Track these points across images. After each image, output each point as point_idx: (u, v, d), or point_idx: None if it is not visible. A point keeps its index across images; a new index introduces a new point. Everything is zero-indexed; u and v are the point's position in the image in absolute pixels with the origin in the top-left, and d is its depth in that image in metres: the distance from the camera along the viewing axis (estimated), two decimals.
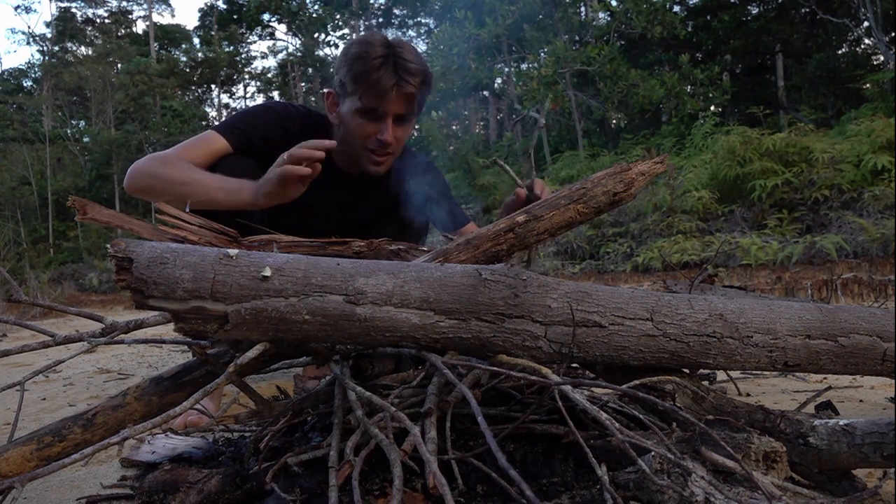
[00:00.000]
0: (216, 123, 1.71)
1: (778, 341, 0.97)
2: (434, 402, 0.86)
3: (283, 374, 2.34)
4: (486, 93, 19.66)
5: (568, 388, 0.77)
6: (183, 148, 1.62)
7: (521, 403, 1.00)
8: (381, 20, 24.94)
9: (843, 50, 15.11)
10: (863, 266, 5.93)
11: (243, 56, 27.74)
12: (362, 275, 0.86)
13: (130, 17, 32.67)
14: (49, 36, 29.90)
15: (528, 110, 15.43)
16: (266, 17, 26.44)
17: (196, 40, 30.45)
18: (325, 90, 1.74)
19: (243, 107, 29.11)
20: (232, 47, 26.75)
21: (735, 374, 1.99)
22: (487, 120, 21.13)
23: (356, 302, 0.85)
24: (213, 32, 28.50)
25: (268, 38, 29.63)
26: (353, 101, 1.59)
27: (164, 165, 1.55)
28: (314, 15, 23.62)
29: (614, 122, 16.13)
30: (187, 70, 25.22)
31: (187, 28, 32.13)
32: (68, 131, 24.72)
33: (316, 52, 23.62)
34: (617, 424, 0.73)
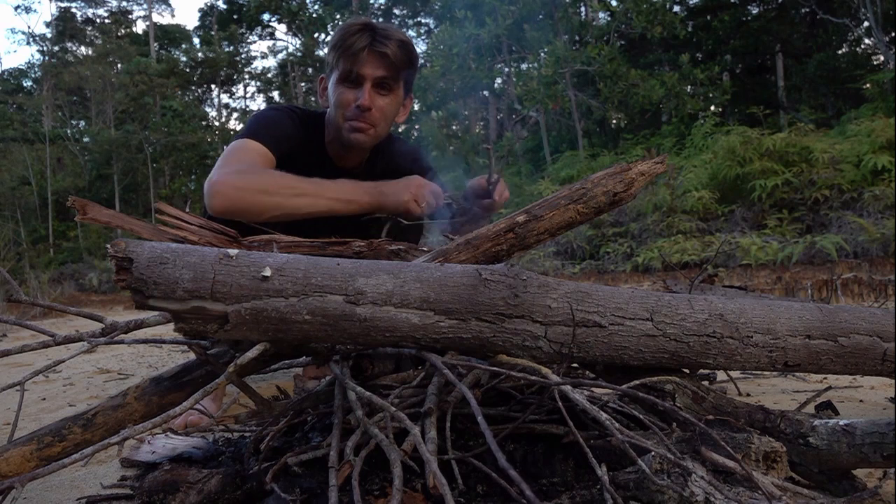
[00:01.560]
0: (240, 132, 1.64)
1: (778, 341, 0.97)
2: (434, 402, 0.86)
3: (283, 374, 2.34)
4: (486, 93, 19.67)
5: (568, 388, 0.77)
6: (238, 160, 1.51)
7: (521, 403, 1.00)
8: (381, 20, 24.94)
9: (843, 50, 15.11)
10: (863, 266, 5.93)
11: (243, 56, 27.74)
12: (362, 275, 0.86)
13: (130, 17, 32.69)
14: (49, 36, 29.90)
15: (528, 110, 15.42)
16: (266, 17, 26.45)
17: (196, 40, 30.46)
18: (319, 76, 1.77)
19: (243, 107, 29.17)
20: (232, 47, 26.74)
21: (735, 374, 1.99)
22: (487, 120, 21.13)
23: (356, 302, 0.85)
24: (213, 32, 28.50)
25: (268, 38, 29.65)
26: (336, 72, 1.61)
27: (265, 177, 1.44)
28: (314, 15, 23.63)
29: (614, 122, 16.13)
30: (187, 70, 25.22)
31: (187, 28, 32.15)
32: (68, 131, 24.70)
33: (316, 52, 23.63)
34: (617, 424, 0.73)
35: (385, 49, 1.57)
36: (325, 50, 1.69)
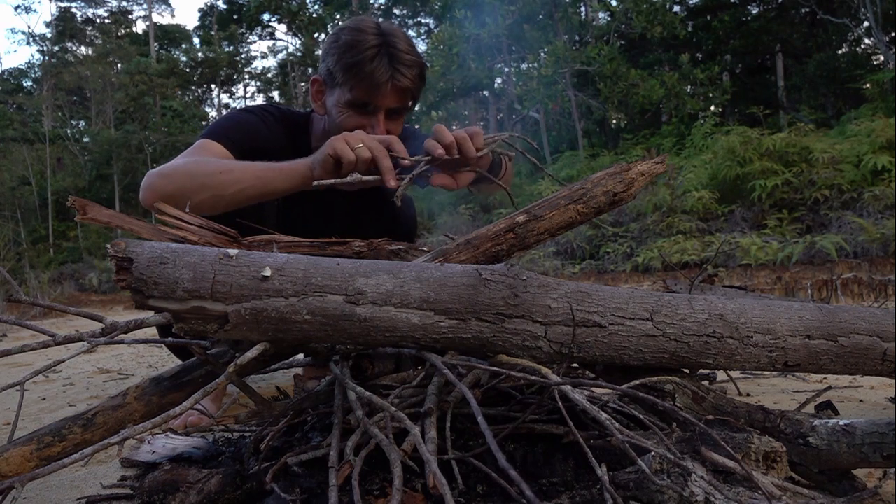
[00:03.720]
0: (202, 131, 1.59)
1: (778, 341, 0.97)
2: (434, 402, 0.86)
3: (282, 375, 2.34)
4: (486, 93, 19.66)
5: (568, 388, 0.77)
6: (184, 156, 1.46)
7: (521, 403, 1.00)
8: (380, 20, 24.89)
9: (843, 50, 15.12)
10: (863, 266, 5.93)
11: (243, 56, 27.76)
12: (362, 275, 0.86)
13: (130, 17, 32.71)
14: (49, 36, 29.91)
15: (528, 110, 15.43)
16: (266, 17, 26.46)
17: (196, 40, 30.49)
18: (310, 77, 1.63)
19: (244, 107, 29.12)
20: (232, 47, 26.76)
21: (735, 374, 1.99)
22: (487, 120, 21.14)
23: (356, 302, 0.85)
24: (213, 32, 28.52)
25: (268, 38, 29.67)
26: (343, 92, 1.50)
27: (192, 162, 1.37)
28: (314, 15, 23.63)
29: (614, 122, 16.14)
30: (187, 70, 25.24)
31: (187, 28, 32.18)
32: (68, 131, 24.72)
33: (316, 52, 23.61)
34: (617, 424, 0.73)
35: (406, 82, 1.47)
36: (324, 52, 1.56)
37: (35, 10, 64.75)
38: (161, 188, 1.32)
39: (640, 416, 0.82)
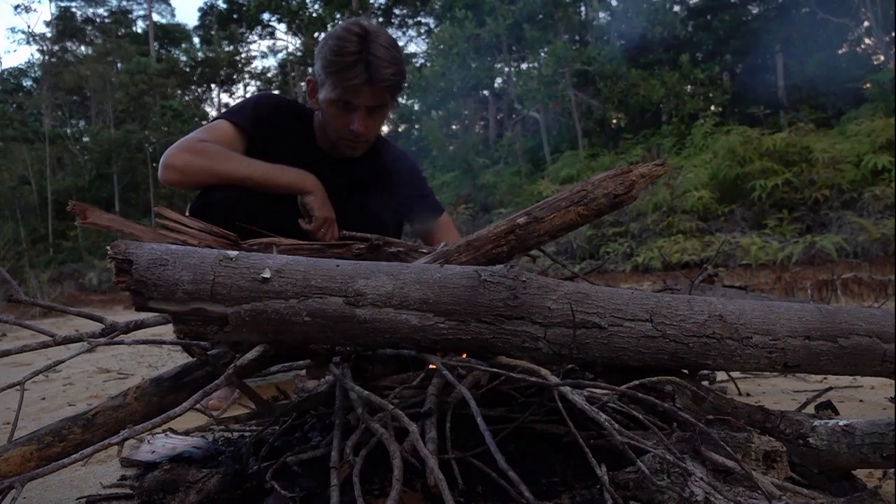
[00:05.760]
0: (220, 113, 1.83)
1: (777, 342, 0.96)
2: (434, 403, 0.86)
3: (283, 375, 2.33)
4: (486, 93, 19.66)
5: (567, 389, 0.77)
6: (198, 136, 1.68)
7: (521, 404, 1.00)
8: (381, 20, 24.91)
9: (843, 50, 15.11)
10: (863, 266, 5.93)
11: (243, 56, 27.76)
12: (362, 276, 0.86)
13: (130, 16, 32.69)
14: (49, 36, 29.89)
15: (528, 110, 15.43)
16: (266, 16, 26.45)
17: (196, 40, 30.47)
18: (307, 77, 1.83)
19: None
20: (232, 47, 26.77)
21: (735, 374, 1.99)
22: (487, 120, 21.12)
23: (356, 304, 0.85)
24: (213, 32, 28.52)
25: (268, 37, 29.65)
26: (328, 91, 1.67)
27: (202, 143, 1.63)
28: (314, 15, 23.62)
29: (614, 122, 16.14)
30: (187, 70, 25.24)
31: (187, 28, 32.11)
32: (68, 131, 24.73)
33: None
34: (616, 425, 0.73)
35: (383, 83, 1.62)
36: (315, 54, 1.75)
37: (35, 10, 64.84)
38: (169, 159, 1.61)
39: (640, 417, 0.82)
